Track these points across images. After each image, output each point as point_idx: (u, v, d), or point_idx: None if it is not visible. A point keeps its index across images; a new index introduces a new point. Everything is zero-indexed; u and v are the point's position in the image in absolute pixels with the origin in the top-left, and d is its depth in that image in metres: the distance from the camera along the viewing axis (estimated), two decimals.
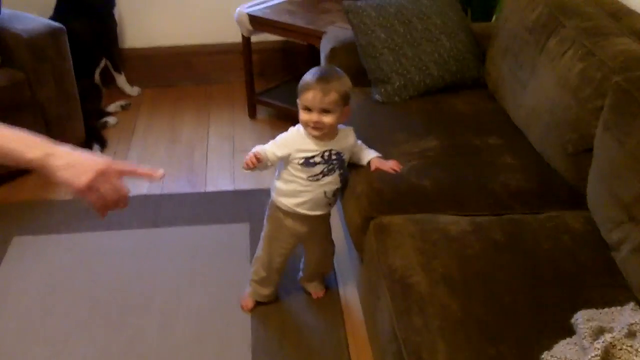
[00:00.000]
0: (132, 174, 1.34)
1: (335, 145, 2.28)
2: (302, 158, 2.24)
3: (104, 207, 1.28)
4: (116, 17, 4.12)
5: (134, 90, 4.34)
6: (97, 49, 4.01)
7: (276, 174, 2.36)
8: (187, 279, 2.77)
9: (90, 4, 3.93)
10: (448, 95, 2.93)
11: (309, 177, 2.26)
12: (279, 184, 2.33)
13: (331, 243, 2.58)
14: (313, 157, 2.24)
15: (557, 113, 2.34)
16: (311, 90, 2.17)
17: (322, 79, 2.19)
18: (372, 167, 2.37)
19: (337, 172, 2.32)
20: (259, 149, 2.24)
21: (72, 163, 1.24)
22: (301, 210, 2.34)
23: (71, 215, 3.16)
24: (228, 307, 2.62)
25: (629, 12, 2.56)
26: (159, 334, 2.51)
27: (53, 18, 3.70)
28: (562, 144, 2.33)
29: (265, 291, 2.57)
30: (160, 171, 1.36)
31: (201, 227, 3.07)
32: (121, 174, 1.31)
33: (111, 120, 3.95)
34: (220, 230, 3.06)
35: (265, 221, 2.46)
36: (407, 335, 1.77)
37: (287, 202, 2.33)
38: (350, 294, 2.68)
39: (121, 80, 4.28)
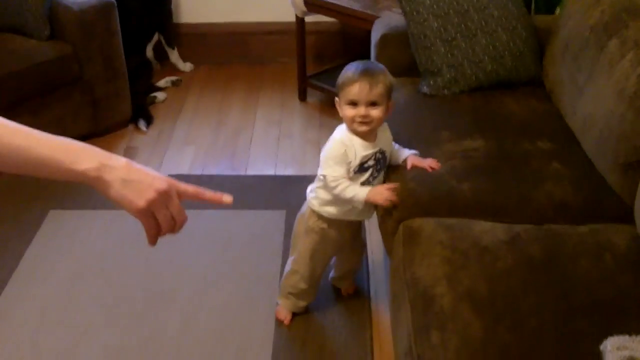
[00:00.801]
0: (197, 197, 1.16)
1: (380, 143, 2.17)
2: (358, 165, 2.13)
3: (157, 234, 1.11)
4: None
5: (186, 67, 4.29)
6: (150, 24, 3.98)
7: (315, 183, 2.24)
8: (216, 267, 2.71)
9: None
10: (501, 93, 2.77)
11: (361, 182, 2.15)
12: (321, 193, 2.20)
13: (362, 240, 2.48)
14: (367, 161, 2.14)
15: (612, 121, 2.18)
16: (357, 82, 2.06)
17: (367, 71, 2.08)
18: (409, 165, 2.25)
19: (383, 171, 2.22)
20: (334, 181, 2.10)
21: (131, 178, 1.06)
22: (351, 217, 2.24)
23: None
24: (254, 301, 2.55)
25: None
26: (181, 327, 2.45)
27: None
28: (614, 154, 2.16)
29: (304, 303, 2.46)
30: (229, 198, 1.19)
31: (237, 212, 3.00)
32: (184, 195, 1.13)
33: (160, 95, 3.91)
34: (256, 216, 2.98)
35: (301, 234, 2.31)
36: (424, 352, 1.68)
37: (335, 211, 2.21)
38: (381, 296, 2.57)
39: (174, 55, 4.24)
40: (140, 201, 1.04)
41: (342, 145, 2.10)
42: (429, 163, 2.26)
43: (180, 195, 1.10)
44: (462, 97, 2.75)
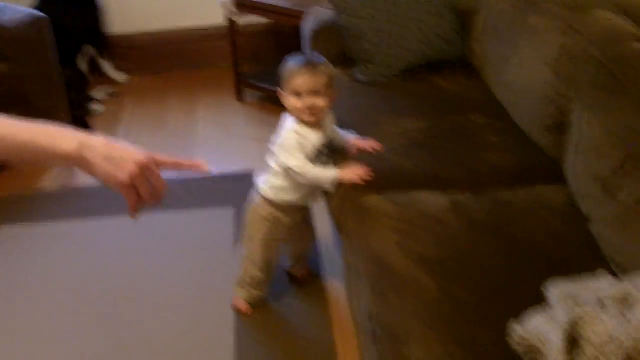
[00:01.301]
0: (176, 166, 1.22)
1: (327, 131, 2.26)
2: (314, 151, 2.21)
3: (139, 205, 1.17)
4: (100, 2, 4.08)
5: (120, 77, 4.31)
6: (81, 37, 3.98)
7: (268, 173, 2.31)
8: (173, 266, 2.76)
9: None
10: (432, 74, 2.91)
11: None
12: (276, 182, 2.27)
13: (312, 225, 2.57)
14: (319, 149, 2.22)
15: (538, 89, 2.32)
16: (300, 74, 2.14)
17: (309, 62, 2.17)
18: (353, 148, 2.36)
19: (331, 156, 2.32)
20: (301, 169, 2.17)
21: (112, 155, 1.12)
22: (302, 203, 2.33)
23: (58, 204, 3.16)
24: (212, 294, 2.61)
25: None
26: (144, 325, 2.49)
27: (38, 8, 3.67)
28: (542, 119, 2.31)
29: (261, 292, 2.51)
30: (206, 165, 1.26)
31: (187, 212, 3.06)
32: (164, 165, 1.19)
33: (98, 107, 3.92)
34: (206, 215, 3.05)
35: (254, 224, 2.36)
36: (383, 314, 1.77)
37: (288, 198, 2.29)
38: (334, 276, 2.67)
39: (107, 67, 4.25)
40: (124, 175, 1.11)
41: (297, 135, 2.17)
42: (370, 144, 2.36)
43: (160, 165, 1.17)
44: (395, 81, 2.87)
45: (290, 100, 2.17)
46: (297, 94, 2.15)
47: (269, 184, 2.30)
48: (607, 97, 1.92)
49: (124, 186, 1.12)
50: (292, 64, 2.18)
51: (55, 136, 1.10)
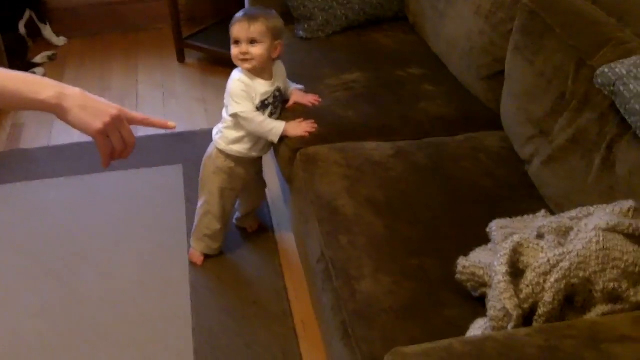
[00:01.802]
0: (144, 122, 1.29)
1: (277, 81, 2.34)
2: (259, 102, 2.28)
3: (110, 155, 1.23)
4: None
5: (60, 40, 4.28)
6: (21, 2, 3.95)
7: (221, 124, 2.38)
8: (124, 223, 2.81)
9: None
10: (370, 30, 3.00)
11: None
12: (228, 133, 2.35)
13: (263, 178, 2.65)
14: (267, 98, 2.30)
15: (472, 39, 2.44)
16: (238, 22, 2.23)
17: (249, 12, 2.27)
18: (291, 101, 2.44)
19: (280, 107, 2.40)
20: (247, 114, 2.25)
21: (87, 104, 1.18)
22: (254, 153, 2.40)
23: (4, 167, 3.16)
24: (165, 248, 2.68)
25: None
26: (98, 280, 2.55)
27: None
28: (477, 69, 2.43)
29: (217, 243, 2.58)
30: (173, 122, 1.33)
31: (135, 171, 3.10)
32: (132, 121, 1.25)
33: (38, 71, 3.90)
34: (154, 172, 3.10)
35: (210, 174, 2.43)
36: (334, 254, 1.86)
37: (239, 149, 2.36)
38: (283, 226, 2.77)
39: (47, 31, 4.22)
40: (97, 123, 1.18)
41: (241, 83, 2.25)
42: (309, 99, 2.45)
43: (129, 121, 1.24)
44: (335, 37, 2.96)
45: (231, 49, 2.26)
46: (235, 42, 2.24)
47: (221, 135, 2.37)
48: (537, 40, 2.05)
49: (97, 133, 1.19)
50: (237, 14, 2.27)
51: (34, 84, 1.17)
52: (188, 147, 3.23)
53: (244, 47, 2.23)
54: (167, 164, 3.15)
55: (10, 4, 3.86)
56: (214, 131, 2.42)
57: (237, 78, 2.27)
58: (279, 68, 2.37)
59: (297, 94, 2.45)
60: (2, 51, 3.51)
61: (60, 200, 2.95)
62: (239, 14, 2.26)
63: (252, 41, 2.22)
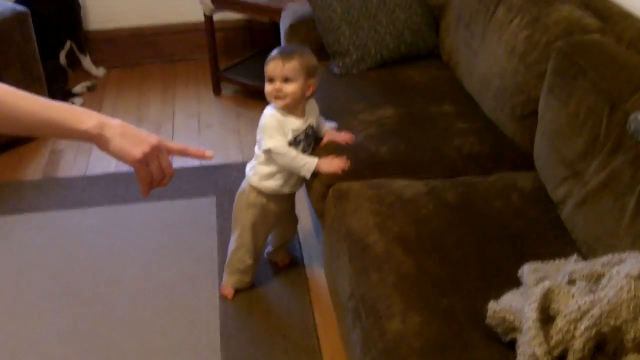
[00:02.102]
0: (182, 153, 1.33)
1: (310, 119, 2.36)
2: (292, 139, 2.30)
3: (150, 184, 1.27)
4: None
5: (99, 72, 4.37)
6: (61, 31, 4.05)
7: (254, 160, 2.40)
8: (156, 253, 2.85)
9: None
10: (404, 66, 3.03)
11: None
12: (260, 169, 2.37)
13: (295, 212, 2.67)
14: (299, 135, 2.32)
15: (506, 78, 2.45)
16: (272, 60, 2.27)
17: (284, 50, 2.30)
18: (325, 139, 2.46)
19: (312, 145, 2.42)
20: (280, 149, 2.27)
21: (127, 134, 1.22)
22: (286, 190, 2.42)
23: (41, 194, 3.22)
24: (197, 279, 2.70)
25: None
26: (129, 308, 2.58)
27: (18, 1, 3.74)
28: (511, 108, 2.43)
29: (249, 278, 2.60)
30: (210, 152, 1.36)
31: (169, 203, 3.14)
32: (171, 152, 1.29)
33: (77, 101, 3.99)
34: (188, 204, 3.14)
35: (243, 210, 2.45)
36: (365, 291, 1.87)
37: (272, 185, 2.38)
38: (314, 261, 2.78)
39: (86, 61, 4.32)
40: (137, 152, 1.21)
41: (274, 119, 2.28)
42: (343, 137, 2.47)
43: (168, 151, 1.28)
44: (369, 73, 2.99)
45: (266, 86, 2.29)
46: (270, 80, 2.27)
47: (254, 171, 2.40)
48: (570, 82, 2.05)
49: (137, 162, 1.22)
50: (272, 52, 2.30)
51: (76, 114, 1.21)
52: (222, 179, 3.27)
53: (278, 85, 2.26)
54: (201, 196, 3.18)
55: (53, 35, 3.96)
56: (248, 167, 2.44)
57: (270, 114, 2.30)
58: (312, 106, 2.40)
59: (331, 132, 2.48)
60: (43, 80, 3.59)
61: (94, 228, 3.00)
62: (275, 52, 2.29)
63: (286, 79, 2.26)
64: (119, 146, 1.21)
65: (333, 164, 2.34)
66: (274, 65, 2.26)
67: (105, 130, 1.21)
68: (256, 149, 2.38)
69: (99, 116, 1.22)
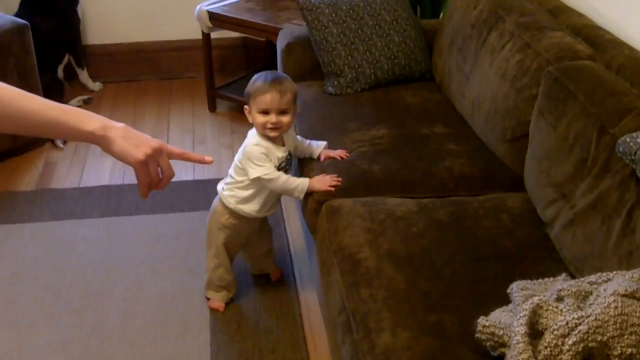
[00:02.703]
0: (183, 157, 1.35)
1: (289, 146, 2.41)
2: (277, 165, 2.34)
3: (148, 185, 1.29)
4: (79, 14, 4.21)
5: (95, 86, 4.41)
6: (60, 45, 4.09)
7: (229, 182, 2.43)
8: (148, 266, 2.87)
9: (55, 1, 4.00)
10: (397, 88, 3.08)
11: None
12: (239, 192, 2.40)
13: (269, 225, 2.68)
14: (281, 162, 2.36)
15: (497, 102, 2.50)
16: (268, 93, 2.27)
17: (276, 81, 2.30)
18: (322, 157, 2.50)
19: (290, 170, 2.46)
20: (271, 175, 2.31)
21: (130, 136, 1.25)
22: (261, 215, 2.47)
23: (35, 205, 3.24)
24: (188, 292, 2.72)
25: (565, 9, 2.72)
26: (120, 319, 2.59)
27: (18, 14, 3.79)
28: (501, 131, 2.48)
29: (233, 290, 2.63)
30: (210, 157, 1.39)
31: (162, 216, 3.17)
32: (172, 156, 1.32)
33: None
34: (181, 218, 3.16)
35: (215, 231, 2.49)
36: (355, 306, 1.90)
37: (248, 209, 2.42)
38: (305, 277, 2.81)
39: (83, 75, 4.35)
40: (139, 153, 1.25)
41: (261, 147, 2.31)
42: (338, 153, 2.52)
43: (169, 155, 1.31)
44: (363, 94, 3.04)
45: (257, 118, 2.29)
46: (264, 112, 2.28)
47: (233, 193, 2.42)
48: (560, 106, 2.10)
49: (138, 163, 1.25)
50: (259, 82, 2.30)
51: (81, 116, 1.23)
52: (214, 194, 3.28)
53: (274, 117, 2.27)
54: (194, 210, 3.21)
55: (52, 48, 4.00)
56: (220, 187, 2.47)
57: (254, 143, 2.32)
58: (290, 133, 2.44)
59: (325, 151, 2.52)
60: (40, 92, 3.62)
61: (87, 240, 3.02)
62: (265, 81, 2.29)
63: (282, 111, 2.28)
64: (121, 147, 1.24)
65: (325, 182, 2.37)
66: (272, 98, 2.27)
67: (109, 132, 1.24)
68: (231, 171, 2.42)
69: (102, 118, 1.25)
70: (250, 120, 2.35)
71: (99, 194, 3.32)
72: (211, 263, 2.57)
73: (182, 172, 3.50)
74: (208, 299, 2.64)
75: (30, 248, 2.97)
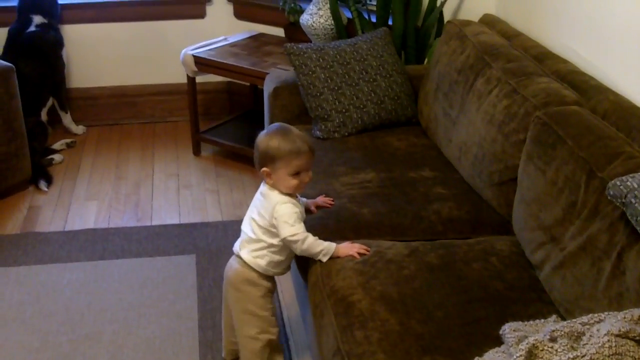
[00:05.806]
0: None
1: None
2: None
3: None
4: (64, 58, 4.23)
5: (79, 129, 4.42)
6: (44, 88, 4.11)
7: (255, 250, 2.31)
8: (136, 310, 2.85)
9: (39, 45, 4.04)
10: (384, 132, 3.13)
11: None
12: (273, 257, 2.31)
13: None
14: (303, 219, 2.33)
15: (485, 146, 2.54)
16: (304, 154, 2.21)
17: (301, 139, 2.23)
18: (313, 207, 2.50)
19: None
20: (301, 236, 2.22)
21: None
22: (279, 273, 2.40)
23: (19, 249, 3.22)
24: (176, 336, 2.70)
25: (551, 55, 2.79)
26: None
27: (3, 58, 3.80)
28: (489, 175, 2.52)
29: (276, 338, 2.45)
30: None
31: (148, 260, 3.16)
32: None
33: (57, 157, 4.02)
34: (167, 262, 3.15)
35: (256, 300, 2.35)
36: (350, 348, 1.91)
37: (278, 271, 2.37)
38: (300, 346, 2.71)
39: (67, 119, 4.36)
40: None
41: (293, 205, 2.25)
42: (326, 200, 2.54)
43: None
44: (350, 138, 3.08)
45: (289, 181, 2.22)
46: (296, 173, 2.22)
47: (269, 259, 2.32)
48: (549, 151, 2.15)
49: None
50: (284, 143, 2.20)
51: None
52: (201, 237, 3.31)
53: (307, 177, 2.24)
54: (180, 254, 3.21)
55: (37, 92, 4.02)
56: (245, 254, 2.33)
57: (285, 202, 2.24)
58: None
59: (313, 202, 2.52)
60: (25, 136, 3.63)
61: (74, 284, 3.00)
62: (301, 143, 2.21)
63: (309, 169, 2.26)
64: None
65: (353, 249, 2.29)
66: (308, 159, 2.22)
67: None
68: (259, 235, 2.29)
69: None
70: (271, 182, 2.24)
71: (85, 238, 3.31)
72: (257, 343, 2.37)
73: (168, 217, 3.51)
74: None
75: (16, 292, 2.94)
